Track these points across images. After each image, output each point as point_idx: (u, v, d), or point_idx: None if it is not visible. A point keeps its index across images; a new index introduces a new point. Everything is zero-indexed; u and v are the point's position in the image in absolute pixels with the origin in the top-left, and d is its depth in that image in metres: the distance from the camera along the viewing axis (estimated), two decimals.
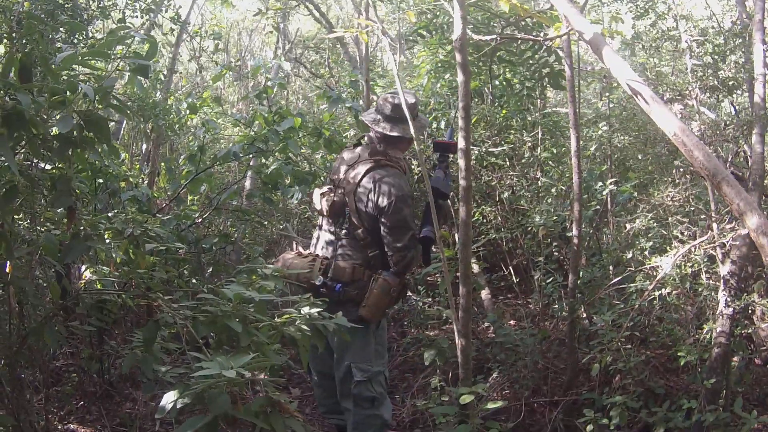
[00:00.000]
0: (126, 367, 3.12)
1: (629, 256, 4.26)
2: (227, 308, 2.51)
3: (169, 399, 2.28)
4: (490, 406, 3.33)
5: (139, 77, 2.80)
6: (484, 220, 5.50)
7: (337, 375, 3.78)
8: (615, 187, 4.48)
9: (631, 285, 3.86)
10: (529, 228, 5.06)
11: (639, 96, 3.14)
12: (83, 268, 3.50)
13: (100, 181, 4.29)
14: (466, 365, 3.40)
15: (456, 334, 3.45)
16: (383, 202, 3.49)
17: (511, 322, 5.40)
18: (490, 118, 5.33)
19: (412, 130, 3.43)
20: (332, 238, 3.72)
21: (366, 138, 3.77)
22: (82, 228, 2.85)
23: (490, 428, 3.44)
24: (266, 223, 5.45)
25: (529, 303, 5.49)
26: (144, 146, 5.88)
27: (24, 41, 2.70)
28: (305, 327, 2.83)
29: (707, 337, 3.59)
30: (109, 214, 3.59)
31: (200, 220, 4.67)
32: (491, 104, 5.58)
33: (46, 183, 2.72)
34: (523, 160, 5.31)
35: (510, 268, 5.58)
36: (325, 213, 3.70)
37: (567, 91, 4.07)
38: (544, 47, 4.64)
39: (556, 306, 4.75)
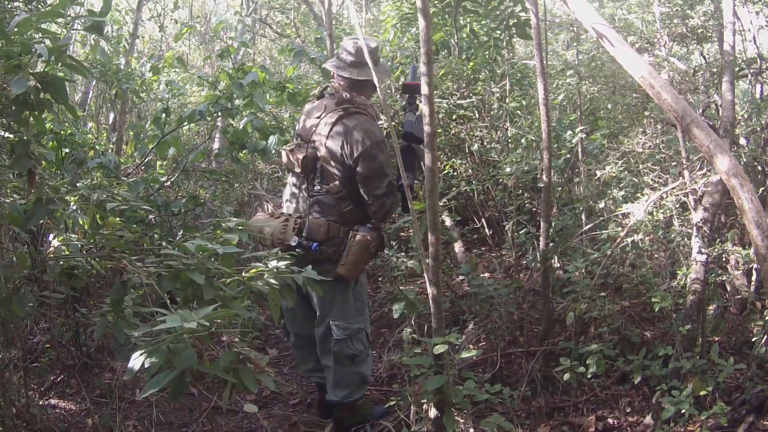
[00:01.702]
0: (98, 333, 3.08)
1: (601, 205, 4.28)
2: (189, 262, 2.47)
3: (136, 359, 2.26)
4: (465, 355, 3.33)
5: (100, 43, 2.74)
6: (455, 173, 5.49)
7: (317, 332, 3.76)
8: (584, 136, 4.48)
9: (603, 232, 3.88)
10: (500, 179, 5.06)
11: (605, 39, 3.13)
12: (51, 236, 3.45)
13: (67, 150, 4.21)
14: (438, 315, 3.38)
15: (427, 284, 3.45)
16: (357, 149, 3.43)
17: (486, 274, 5.44)
18: (458, 71, 5.28)
19: (374, 76, 3.39)
20: (305, 195, 3.64)
21: (330, 88, 3.68)
22: (44, 194, 2.80)
23: (466, 378, 3.46)
24: (236, 184, 5.39)
25: (504, 254, 5.51)
26: (111, 115, 5.78)
27: None
28: (273, 281, 2.82)
29: (681, 283, 3.60)
30: (78, 184, 3.54)
31: (168, 183, 4.61)
32: (458, 56, 5.52)
33: (5, 148, 2.65)
34: (492, 112, 5.28)
35: (483, 220, 5.58)
36: (297, 169, 3.62)
37: (533, 41, 4.02)
38: None
39: (530, 257, 4.77)
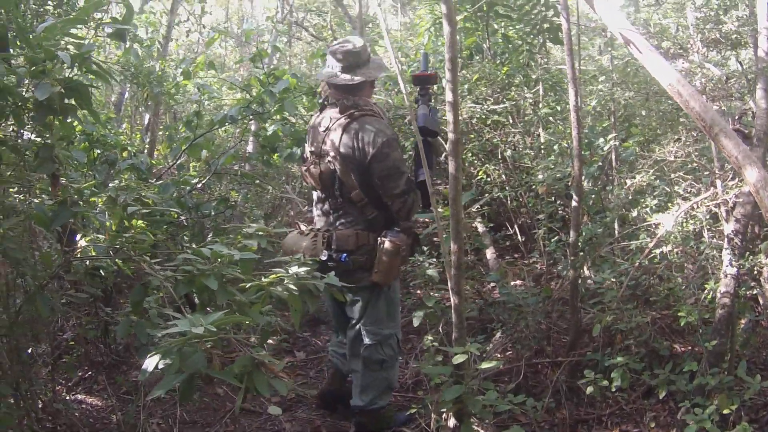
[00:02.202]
0: (121, 332, 3.19)
1: (634, 214, 4.24)
2: (204, 267, 2.54)
3: (150, 361, 2.33)
4: (486, 365, 3.34)
5: (134, 46, 2.83)
6: (488, 179, 5.49)
7: (348, 335, 3.82)
8: (617, 143, 4.44)
9: (632, 242, 3.84)
10: (533, 186, 5.04)
11: (632, 45, 3.10)
12: (78, 236, 3.57)
13: (99, 151, 4.34)
14: (459, 324, 3.40)
15: (450, 292, 3.47)
16: (369, 152, 3.45)
17: (517, 282, 5.42)
18: (492, 76, 5.28)
19: (373, 72, 3.49)
20: (329, 208, 3.69)
21: (330, 98, 3.66)
22: (68, 195, 2.91)
23: (487, 389, 3.47)
24: (268, 187, 5.48)
25: (534, 262, 5.49)
26: (147, 116, 5.92)
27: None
28: (293, 287, 2.87)
29: (708, 297, 3.55)
30: (111, 184, 3.65)
31: (200, 185, 4.71)
32: (492, 61, 5.52)
33: (31, 152, 2.75)
34: (526, 118, 5.27)
35: (515, 227, 5.57)
36: (317, 185, 3.67)
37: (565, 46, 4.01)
38: (542, 1, 4.57)
39: (560, 266, 4.75)
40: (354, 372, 3.86)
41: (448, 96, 3.16)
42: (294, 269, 2.94)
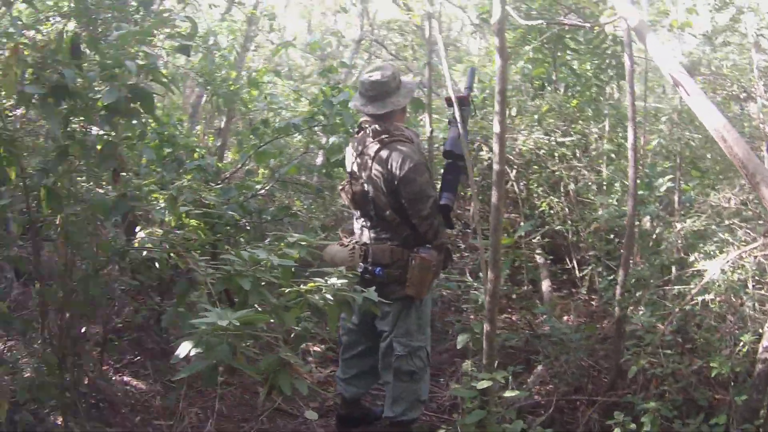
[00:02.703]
0: (166, 322, 3.49)
1: (692, 258, 4.26)
2: (241, 268, 2.78)
3: (183, 348, 2.54)
4: (509, 394, 3.46)
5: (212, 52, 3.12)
6: (551, 211, 5.58)
7: (381, 347, 4.01)
8: (673, 185, 4.48)
9: (675, 288, 3.88)
10: (594, 221, 5.11)
11: (681, 87, 3.16)
12: (138, 228, 3.89)
13: (169, 150, 4.68)
14: (490, 351, 3.52)
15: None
16: (397, 176, 3.67)
17: (570, 317, 5.49)
18: (561, 108, 5.39)
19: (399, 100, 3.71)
20: (366, 225, 3.93)
21: (363, 123, 3.91)
22: (128, 190, 3.23)
23: (514, 419, 3.57)
24: (329, 196, 5.70)
25: (585, 298, 5.54)
26: (224, 119, 6.29)
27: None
28: (329, 296, 3.09)
29: (743, 351, 3.56)
30: (177, 183, 3.97)
31: (263, 191, 5.00)
32: (562, 93, 5.63)
33: (96, 148, 3.07)
34: (594, 153, 5.35)
35: (574, 261, 5.63)
36: (350, 204, 3.95)
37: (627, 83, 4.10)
38: (610, 37, 4.65)
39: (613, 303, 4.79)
40: (386, 384, 4.05)
41: (496, 127, 3.31)
42: (333, 280, 3.16)
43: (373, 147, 3.78)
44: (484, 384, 3.39)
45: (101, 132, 3.20)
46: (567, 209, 5.52)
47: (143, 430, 3.99)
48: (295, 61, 9.07)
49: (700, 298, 3.76)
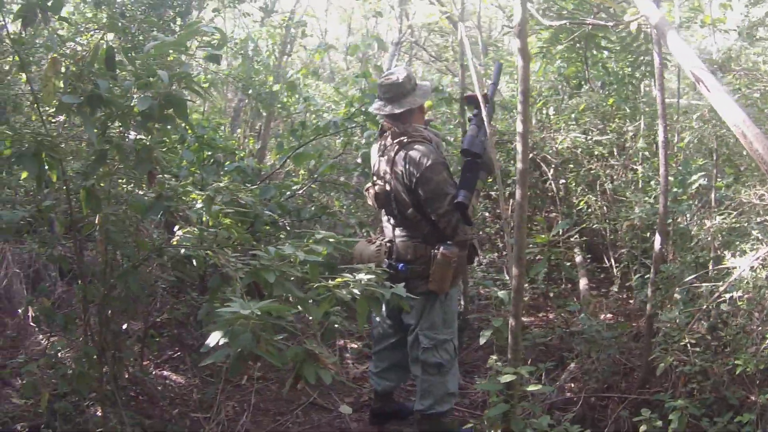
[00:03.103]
0: (200, 315, 3.72)
1: (728, 255, 4.31)
2: (266, 263, 2.98)
3: (213, 337, 2.71)
4: (532, 388, 3.57)
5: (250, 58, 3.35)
6: (589, 209, 5.66)
7: (408, 341, 4.17)
8: (707, 182, 4.52)
9: (704, 284, 3.95)
10: (630, 219, 5.18)
11: (701, 83, 3.26)
12: (176, 227, 4.13)
13: (209, 153, 4.93)
14: (515, 346, 3.63)
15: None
16: (415, 175, 3.85)
17: (607, 315, 5.56)
18: (598, 107, 5.47)
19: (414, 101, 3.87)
20: (391, 222, 4.11)
21: (383, 125, 4.12)
22: (164, 191, 3.47)
23: (541, 413, 3.68)
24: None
25: (629, 297, 5.60)
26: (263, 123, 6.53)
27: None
28: (356, 291, 3.25)
29: None
30: (215, 184, 4.20)
31: (301, 191, 5.21)
32: (598, 91, 5.70)
33: (133, 152, 3.32)
34: (630, 151, 5.41)
35: (611, 260, 5.70)
36: (373, 203, 4.14)
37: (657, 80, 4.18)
38: (642, 35, 4.71)
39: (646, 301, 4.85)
40: (415, 377, 4.21)
41: (519, 127, 3.44)
42: (362, 276, 3.33)
43: (393, 149, 3.98)
44: (507, 378, 3.51)
45: (139, 137, 3.44)
46: (604, 207, 5.59)
47: (180, 422, 4.20)
48: (338, 63, 9.27)
49: (728, 296, 3.81)
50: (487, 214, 6.41)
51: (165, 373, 4.58)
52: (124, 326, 4.02)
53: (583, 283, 5.70)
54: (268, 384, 4.88)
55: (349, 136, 5.21)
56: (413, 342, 4.14)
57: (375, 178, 4.16)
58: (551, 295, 5.77)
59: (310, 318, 3.33)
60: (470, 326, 5.37)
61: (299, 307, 3.15)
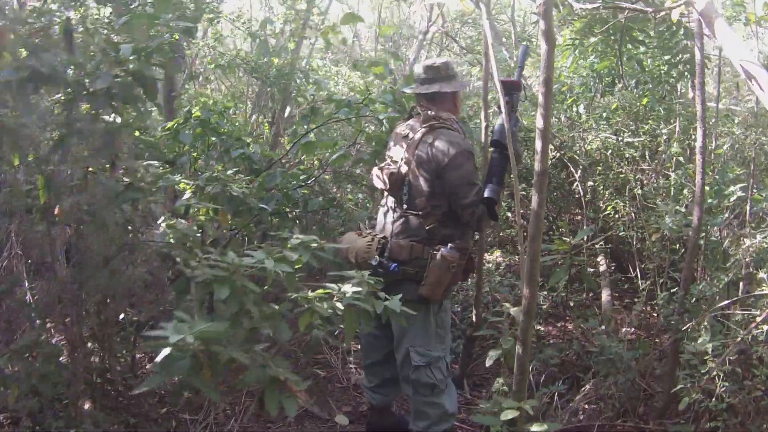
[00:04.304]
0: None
1: (761, 275, 3.63)
2: (221, 273, 2.40)
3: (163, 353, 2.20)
4: (536, 429, 2.95)
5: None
6: (616, 215, 4.98)
7: (397, 359, 3.63)
8: (744, 194, 3.84)
9: (738, 312, 3.28)
10: (659, 229, 4.50)
11: (753, 80, 2.57)
12: (161, 219, 3.59)
13: (213, 139, 4.38)
14: (520, 376, 3.00)
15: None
16: (444, 160, 3.37)
17: (630, 329, 4.90)
18: (631, 106, 4.76)
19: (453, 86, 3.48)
20: (393, 215, 3.58)
21: (416, 109, 3.66)
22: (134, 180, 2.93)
23: None
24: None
25: (653, 312, 4.92)
26: (288, 108, 5.96)
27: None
28: (340, 306, 2.69)
29: None
30: (206, 173, 3.64)
31: (310, 181, 4.63)
32: (634, 89, 4.99)
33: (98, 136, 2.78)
34: (663, 155, 4.70)
35: (637, 270, 5.01)
36: (385, 186, 3.56)
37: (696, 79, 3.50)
38: (682, 30, 4.02)
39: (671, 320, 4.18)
40: (408, 397, 3.67)
41: (539, 122, 2.80)
42: (347, 287, 2.76)
43: (421, 131, 3.50)
44: (508, 415, 2.91)
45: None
46: (633, 214, 4.89)
47: (167, 423, 3.75)
48: (369, 53, 8.61)
49: (766, 327, 3.15)
50: (509, 214, 5.74)
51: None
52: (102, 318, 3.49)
53: (605, 293, 5.03)
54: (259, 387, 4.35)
55: (362, 125, 4.57)
56: (403, 360, 3.57)
57: (391, 159, 3.64)
58: (571, 304, 5.10)
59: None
60: (482, 336, 4.73)
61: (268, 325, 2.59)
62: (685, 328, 3.58)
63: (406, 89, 3.83)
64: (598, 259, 5.34)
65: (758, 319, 3.10)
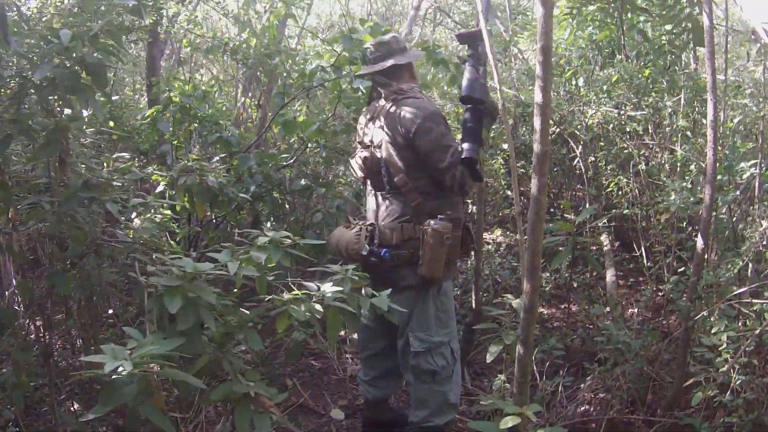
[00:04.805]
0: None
1: None
2: (171, 283, 2.07)
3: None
4: None
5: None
6: (620, 192, 4.61)
7: (398, 345, 3.36)
8: (756, 170, 3.47)
9: (755, 302, 2.94)
10: (668, 209, 4.14)
11: None
12: (134, 215, 3.27)
13: (195, 125, 4.03)
14: (521, 379, 2.65)
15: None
16: (412, 128, 3.09)
17: (634, 311, 4.56)
18: (633, 78, 4.36)
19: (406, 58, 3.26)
20: (377, 201, 3.30)
21: (375, 92, 3.40)
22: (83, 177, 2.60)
23: None
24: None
25: (660, 292, 4.57)
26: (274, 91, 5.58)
27: None
28: (319, 308, 2.36)
29: None
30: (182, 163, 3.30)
31: (291, 160, 4.28)
32: (635, 60, 4.58)
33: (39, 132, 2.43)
34: (667, 129, 4.32)
35: (642, 249, 4.65)
36: (363, 173, 3.32)
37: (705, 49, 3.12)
38: None
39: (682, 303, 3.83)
40: (409, 385, 3.39)
41: (537, 96, 2.41)
42: (327, 286, 2.44)
43: (385, 107, 3.24)
44: (508, 423, 2.57)
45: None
46: (637, 191, 4.52)
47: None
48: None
49: None
50: (509, 192, 5.37)
51: None
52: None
53: (610, 274, 4.69)
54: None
55: (339, 91, 4.17)
56: (404, 346, 3.30)
57: (361, 146, 3.38)
58: (575, 285, 4.75)
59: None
60: (484, 319, 4.39)
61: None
62: (697, 317, 3.23)
63: (360, 72, 3.57)
64: (602, 238, 4.98)
65: None
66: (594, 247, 4.99)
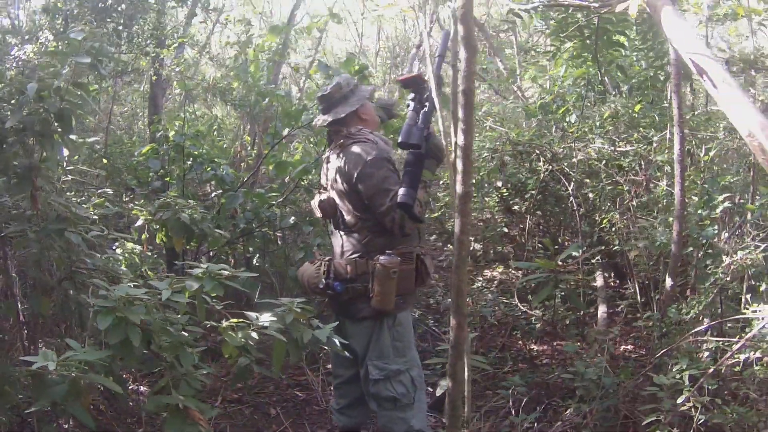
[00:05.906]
0: None
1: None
2: (106, 304, 2.30)
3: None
4: None
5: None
6: (613, 228, 4.69)
7: (361, 374, 3.46)
8: (731, 204, 3.53)
9: (713, 339, 3.01)
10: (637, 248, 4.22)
11: (705, 76, 2.26)
12: (115, 245, 3.53)
13: (189, 162, 4.32)
14: (452, 415, 2.74)
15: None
16: (354, 173, 3.24)
17: (629, 347, 4.61)
18: (620, 114, 4.47)
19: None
20: (336, 239, 3.49)
21: (329, 137, 3.59)
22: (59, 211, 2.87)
23: None
24: None
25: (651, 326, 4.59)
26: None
27: None
28: (254, 335, 2.57)
29: None
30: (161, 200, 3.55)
31: (280, 200, 4.51)
32: (625, 96, 4.69)
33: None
34: (656, 164, 4.40)
35: (635, 284, 4.71)
36: (321, 213, 3.50)
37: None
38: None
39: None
40: (374, 413, 3.49)
41: (460, 138, 2.56)
42: (265, 316, 2.65)
43: (335, 152, 3.42)
44: None
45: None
46: (629, 226, 4.59)
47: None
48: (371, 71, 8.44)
49: (742, 357, 2.87)
50: (506, 229, 5.49)
51: (141, 388, 4.04)
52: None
53: (601, 309, 4.74)
54: (241, 407, 4.25)
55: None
56: (365, 375, 3.41)
57: (320, 188, 3.58)
58: (567, 323, 4.83)
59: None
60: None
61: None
62: (660, 354, 3.30)
63: (315, 123, 3.69)
64: (595, 275, 5.05)
65: (735, 347, 2.80)
66: (588, 285, 5.04)
